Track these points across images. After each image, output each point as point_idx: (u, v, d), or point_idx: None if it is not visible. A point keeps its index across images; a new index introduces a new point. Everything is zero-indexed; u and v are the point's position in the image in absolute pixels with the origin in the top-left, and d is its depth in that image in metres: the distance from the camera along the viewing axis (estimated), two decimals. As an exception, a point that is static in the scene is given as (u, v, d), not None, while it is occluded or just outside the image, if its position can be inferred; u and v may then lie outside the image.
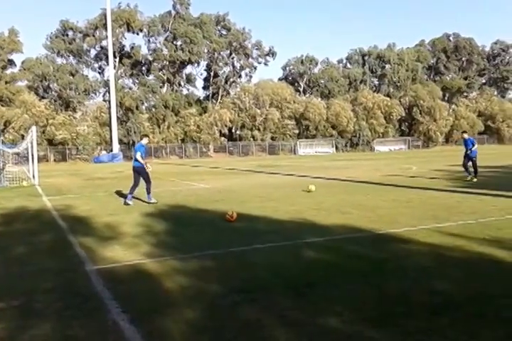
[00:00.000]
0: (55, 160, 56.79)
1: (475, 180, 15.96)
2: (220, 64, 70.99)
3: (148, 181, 12.44)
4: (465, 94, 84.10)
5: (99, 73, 68.07)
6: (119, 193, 15.22)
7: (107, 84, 63.00)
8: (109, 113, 59.13)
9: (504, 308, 4.14)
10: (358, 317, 4.04)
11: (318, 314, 4.15)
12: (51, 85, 62.35)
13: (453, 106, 79.20)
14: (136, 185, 12.49)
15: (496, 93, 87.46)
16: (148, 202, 12.28)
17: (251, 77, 74.62)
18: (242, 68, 73.30)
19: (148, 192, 12.39)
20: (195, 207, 11.34)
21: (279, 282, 5.13)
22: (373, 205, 10.71)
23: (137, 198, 12.87)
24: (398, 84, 78.98)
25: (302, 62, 78.37)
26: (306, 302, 4.45)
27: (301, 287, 4.91)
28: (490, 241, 6.58)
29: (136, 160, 12.43)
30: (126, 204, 12.22)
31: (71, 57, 65.33)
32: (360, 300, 4.46)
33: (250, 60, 72.50)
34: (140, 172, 12.44)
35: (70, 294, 4.98)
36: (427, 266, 5.54)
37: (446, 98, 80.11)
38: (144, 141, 13.07)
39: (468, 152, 16.54)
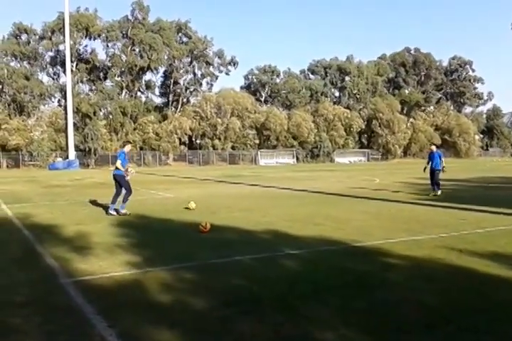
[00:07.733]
0: (7, 166, 55.04)
1: (439, 192, 15.46)
2: (181, 71, 70.50)
3: (128, 190, 11.92)
4: (423, 107, 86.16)
5: (53, 78, 66.14)
6: (82, 202, 14.83)
7: (62, 89, 61.44)
8: (66, 118, 57.57)
9: (494, 322, 4.17)
10: (354, 332, 3.99)
11: (313, 328, 4.08)
12: (5, 89, 60.28)
13: (411, 119, 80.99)
14: (117, 193, 12.01)
15: (452, 107, 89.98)
16: (116, 213, 11.61)
17: (212, 85, 74.48)
18: (203, 76, 73.03)
19: (124, 201, 11.79)
20: (165, 217, 11.08)
21: (267, 295, 5.03)
22: (345, 217, 10.74)
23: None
24: (358, 96, 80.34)
25: (264, 71, 78.81)
26: (299, 316, 4.36)
27: (290, 300, 4.83)
28: (467, 254, 6.65)
29: (116, 168, 11.94)
30: (108, 214, 11.63)
31: (25, 61, 63.31)
32: (352, 315, 4.41)
33: (211, 68, 72.33)
34: (119, 181, 11.97)
35: (49, 308, 4.74)
36: (411, 280, 5.55)
37: (404, 111, 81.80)
38: (126, 148, 12.51)
39: (433, 165, 15.77)
